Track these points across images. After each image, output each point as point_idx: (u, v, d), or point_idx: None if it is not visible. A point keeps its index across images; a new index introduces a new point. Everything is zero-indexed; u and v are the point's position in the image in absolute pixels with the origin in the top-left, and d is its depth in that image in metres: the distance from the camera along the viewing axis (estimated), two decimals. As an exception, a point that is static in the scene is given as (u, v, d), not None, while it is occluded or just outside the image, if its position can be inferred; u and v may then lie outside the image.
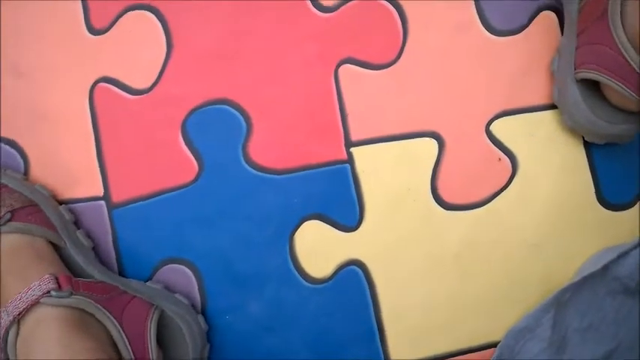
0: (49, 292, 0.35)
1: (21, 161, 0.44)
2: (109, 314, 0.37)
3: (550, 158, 0.45)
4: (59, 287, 0.36)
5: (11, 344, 0.34)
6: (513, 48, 0.45)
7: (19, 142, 0.44)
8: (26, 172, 0.44)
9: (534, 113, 0.45)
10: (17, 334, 0.34)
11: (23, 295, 0.35)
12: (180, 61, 0.45)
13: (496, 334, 0.44)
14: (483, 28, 0.45)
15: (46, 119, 0.45)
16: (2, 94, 0.45)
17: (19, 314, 0.34)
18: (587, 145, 0.45)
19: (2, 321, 0.35)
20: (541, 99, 0.45)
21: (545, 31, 0.45)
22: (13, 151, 0.44)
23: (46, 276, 0.36)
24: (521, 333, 0.43)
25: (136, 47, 0.45)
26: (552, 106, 0.44)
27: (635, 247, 0.41)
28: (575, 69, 0.40)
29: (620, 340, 0.43)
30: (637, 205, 0.45)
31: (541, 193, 0.44)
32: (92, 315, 0.36)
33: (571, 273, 0.44)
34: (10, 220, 0.39)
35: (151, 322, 0.39)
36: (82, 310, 0.36)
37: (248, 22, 0.45)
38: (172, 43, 0.45)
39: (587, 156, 0.45)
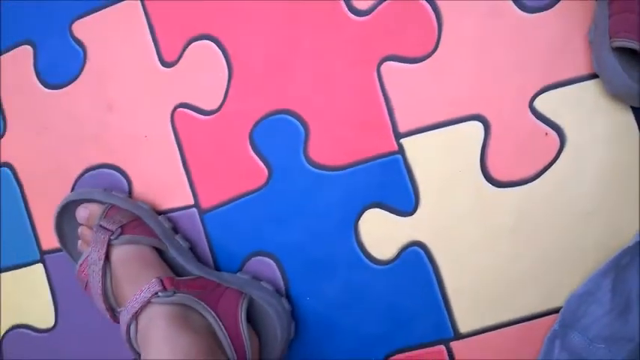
0: (156, 293, 0.43)
1: (124, 182, 0.53)
2: (206, 306, 0.45)
3: (597, 127, 0.44)
4: (164, 288, 0.44)
5: (133, 338, 0.43)
6: (548, 23, 0.45)
7: (121, 166, 0.53)
8: (129, 191, 0.53)
9: (577, 84, 0.45)
10: (136, 330, 0.43)
11: (138, 297, 0.43)
12: (241, 81, 0.51)
13: (556, 300, 0.45)
14: (516, 8, 0.45)
15: (139, 144, 0.53)
16: (102, 127, 0.53)
17: (135, 313, 0.43)
18: (635, 110, 0.44)
19: (124, 318, 0.43)
20: (583, 69, 0.44)
21: (580, 1, 0.44)
22: (117, 174, 0.53)
23: (153, 280, 0.44)
24: (582, 297, 0.44)
25: (202, 74, 0.51)
26: (594, 76, 0.44)
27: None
28: (610, 38, 0.40)
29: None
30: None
31: (591, 162, 0.45)
32: (193, 308, 0.44)
33: (627, 238, 0.44)
34: (121, 234, 0.47)
35: (241, 308, 0.46)
36: (184, 305, 0.44)
37: (291, 38, 0.49)
38: (232, 66, 0.51)
39: (636, 120, 0.44)
